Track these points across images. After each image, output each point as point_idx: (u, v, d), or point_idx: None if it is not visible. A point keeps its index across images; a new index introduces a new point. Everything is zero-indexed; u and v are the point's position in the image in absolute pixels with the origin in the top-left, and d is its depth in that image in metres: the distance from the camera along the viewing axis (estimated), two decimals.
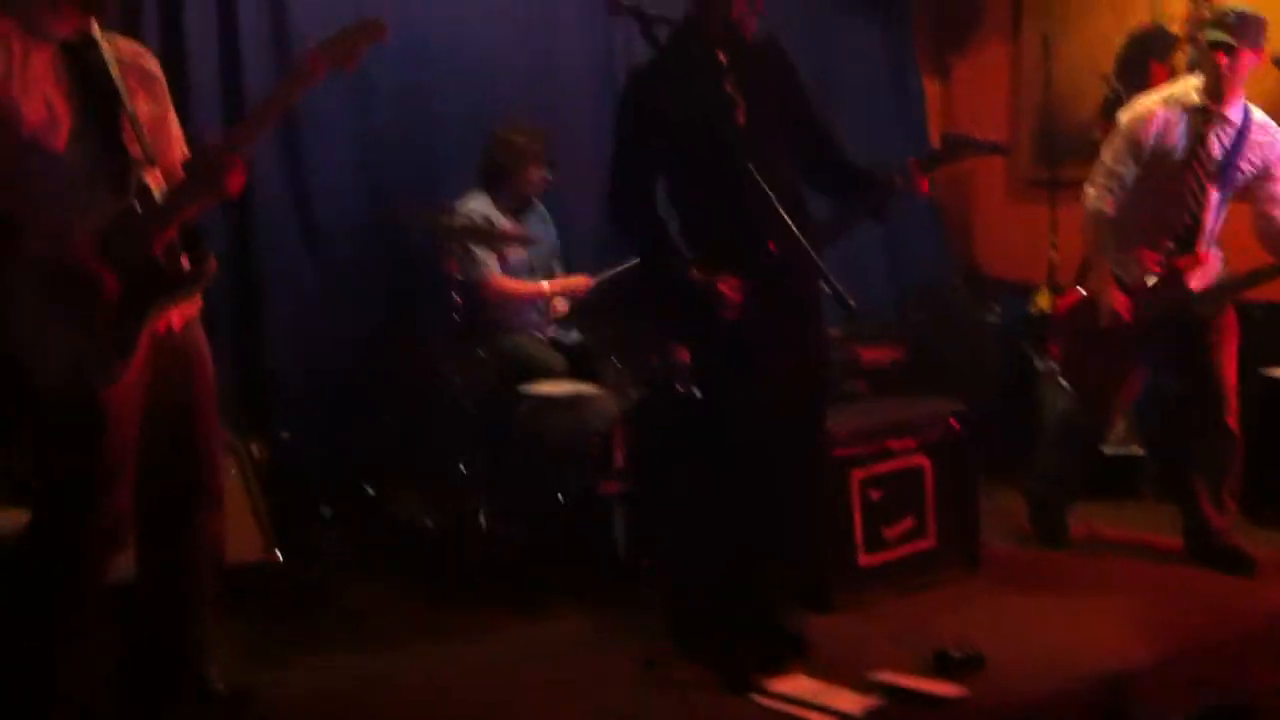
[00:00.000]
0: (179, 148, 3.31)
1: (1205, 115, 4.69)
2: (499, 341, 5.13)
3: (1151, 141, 4.74)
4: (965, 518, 4.76)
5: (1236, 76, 4.61)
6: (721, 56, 3.79)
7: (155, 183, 3.13)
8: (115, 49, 3.15)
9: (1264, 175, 4.73)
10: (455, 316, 4.82)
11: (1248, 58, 4.58)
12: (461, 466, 4.77)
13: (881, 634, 4.15)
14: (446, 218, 5.01)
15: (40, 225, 3.00)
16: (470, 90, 5.57)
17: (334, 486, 5.03)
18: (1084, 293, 4.97)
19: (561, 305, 5.34)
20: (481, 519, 4.69)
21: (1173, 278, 4.75)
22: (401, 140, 5.47)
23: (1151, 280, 4.79)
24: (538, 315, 5.36)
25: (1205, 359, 4.78)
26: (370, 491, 5.03)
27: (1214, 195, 4.72)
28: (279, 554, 4.38)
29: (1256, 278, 4.71)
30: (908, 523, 4.59)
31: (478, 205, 5.21)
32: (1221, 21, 4.62)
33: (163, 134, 3.25)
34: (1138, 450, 5.83)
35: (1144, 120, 4.77)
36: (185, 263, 3.15)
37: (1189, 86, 4.77)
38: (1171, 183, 4.74)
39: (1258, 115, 4.74)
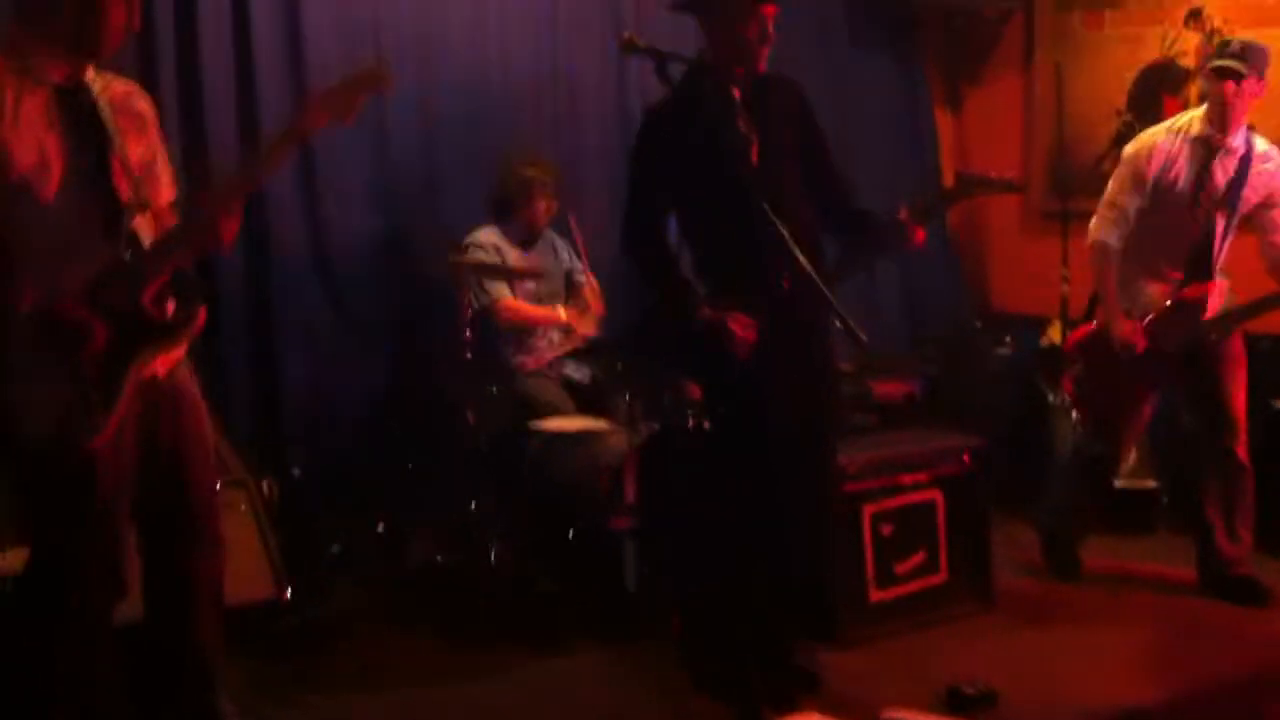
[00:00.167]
0: (169, 189, 3.30)
1: (1209, 145, 4.72)
2: (511, 378, 5.15)
3: (1155, 173, 4.76)
4: (978, 552, 4.74)
5: (1241, 105, 4.65)
6: (736, 93, 3.80)
7: (145, 228, 3.12)
8: (108, 91, 3.14)
9: (1268, 203, 4.76)
10: (468, 354, 4.83)
11: (1252, 86, 4.61)
12: (473, 503, 4.77)
13: (893, 670, 4.14)
14: (457, 254, 5.02)
15: (29, 272, 2.96)
16: (487, 128, 5.60)
17: (345, 524, 5.03)
18: (1094, 325, 4.96)
19: (587, 328, 5.36)
20: (493, 556, 4.69)
21: (1181, 308, 4.75)
22: (418, 179, 5.50)
23: (1160, 311, 4.79)
24: (550, 347, 5.37)
25: (1214, 390, 4.79)
26: (381, 529, 5.03)
27: (1219, 224, 4.73)
28: (289, 592, 4.36)
29: (1264, 305, 4.71)
30: (919, 557, 4.58)
31: (486, 236, 5.25)
32: (1227, 50, 4.66)
33: (153, 175, 3.24)
34: (1151, 483, 5.81)
35: (1147, 152, 4.80)
36: (173, 311, 3.14)
37: (1192, 117, 4.80)
38: (1177, 213, 4.75)
39: (1260, 144, 4.77)
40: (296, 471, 4.93)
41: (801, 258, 3.49)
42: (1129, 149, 4.90)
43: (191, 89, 4.86)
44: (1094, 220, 4.93)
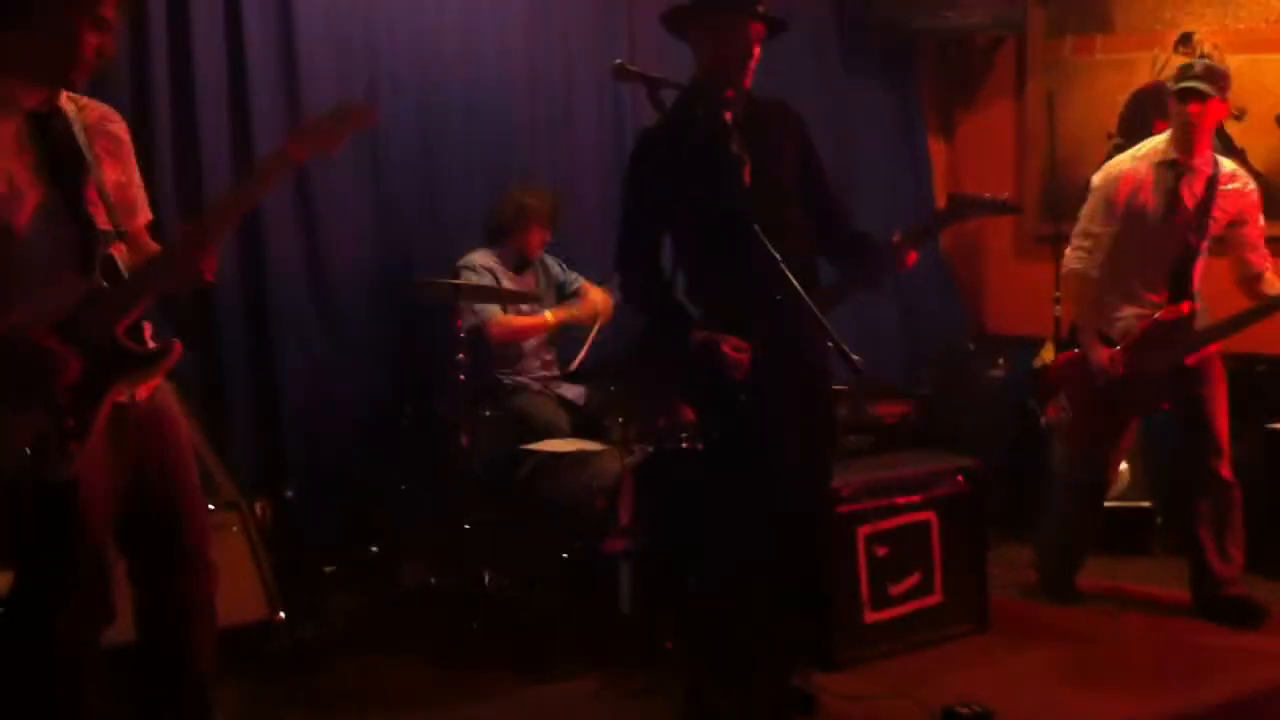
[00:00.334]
0: (145, 212, 3.26)
1: (1176, 169, 4.80)
2: (504, 400, 5.15)
3: (1125, 200, 4.84)
4: (973, 573, 4.74)
5: (1205, 127, 4.74)
6: (728, 116, 3.81)
7: (121, 256, 3.07)
8: (82, 115, 3.09)
9: (1238, 222, 4.83)
10: (461, 376, 4.84)
11: (1216, 108, 4.71)
12: (467, 525, 4.77)
13: (888, 692, 4.12)
14: (452, 279, 5.04)
15: (1, 302, 2.91)
16: (482, 153, 5.63)
17: (339, 545, 5.03)
18: (1075, 353, 5.01)
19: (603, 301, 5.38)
20: (487, 578, 4.69)
21: (1157, 330, 4.78)
22: (413, 203, 5.51)
23: (1137, 335, 4.83)
24: (543, 368, 5.38)
25: (1196, 411, 4.83)
26: (375, 551, 5.03)
27: (1191, 245, 4.78)
28: (282, 614, 4.35)
29: (1238, 323, 4.75)
30: (914, 579, 4.57)
31: (480, 259, 5.27)
32: (1190, 73, 4.73)
33: (129, 199, 3.19)
34: (1146, 503, 5.82)
35: (1115, 180, 4.89)
36: (149, 341, 3.11)
37: (1156, 143, 4.88)
38: (1149, 237, 4.83)
39: (1226, 165, 4.85)
40: (290, 493, 4.92)
41: (794, 280, 3.50)
42: (1097, 178, 4.99)
43: (185, 111, 4.87)
44: (1068, 250, 5.02)
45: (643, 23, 5.93)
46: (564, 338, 5.51)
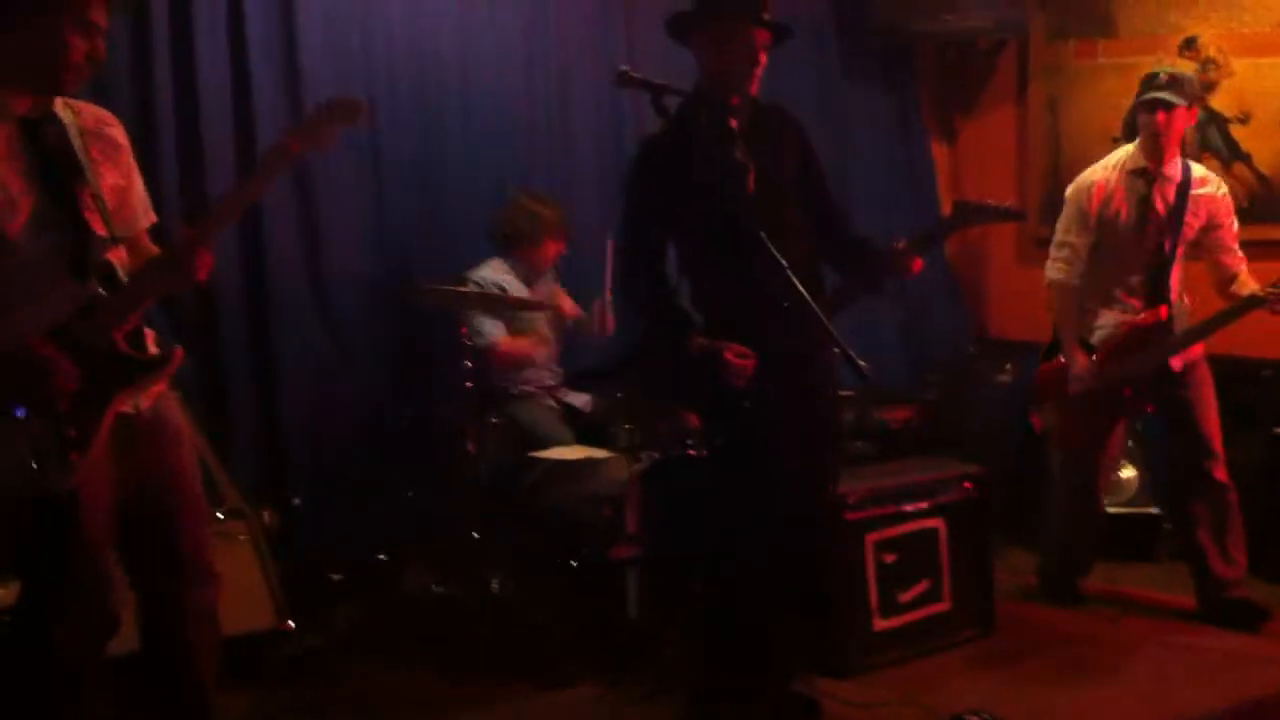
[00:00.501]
0: (145, 216, 3.24)
1: (1147, 176, 4.86)
2: (510, 408, 5.14)
3: (1097, 210, 4.92)
4: (980, 580, 4.74)
5: (1173, 134, 4.80)
6: (732, 123, 3.81)
7: (119, 261, 3.06)
8: (79, 120, 3.06)
9: (1211, 226, 4.89)
10: (468, 384, 4.83)
11: (1183, 114, 4.77)
12: (473, 533, 4.76)
13: (897, 699, 4.13)
14: (459, 286, 5.03)
15: None
16: (482, 158, 5.61)
17: (345, 553, 5.02)
18: (1060, 361, 5.05)
19: (569, 306, 5.38)
20: (493, 586, 4.68)
21: (1135, 335, 4.85)
22: (415, 210, 5.49)
23: (1115, 341, 4.90)
24: (550, 376, 5.37)
25: (1185, 416, 4.88)
26: (382, 559, 5.02)
27: (1166, 251, 4.84)
28: (290, 622, 4.34)
29: (1215, 324, 4.78)
30: (922, 586, 4.57)
31: (492, 273, 5.23)
32: (1155, 82, 4.79)
33: (129, 204, 3.17)
34: (1153, 509, 5.81)
35: (1087, 190, 4.98)
36: (152, 347, 3.09)
37: (1127, 152, 4.95)
38: (1124, 244, 4.90)
39: (1197, 170, 4.92)
40: (297, 501, 4.91)
41: (799, 286, 3.49)
42: (1070, 190, 5.08)
43: (188, 115, 4.85)
44: (1048, 261, 5.09)
45: (641, 29, 5.93)
46: (569, 345, 5.52)
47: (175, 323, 4.75)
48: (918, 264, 3.87)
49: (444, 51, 5.56)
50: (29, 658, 3.06)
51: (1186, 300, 4.97)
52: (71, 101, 3.09)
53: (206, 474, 3.62)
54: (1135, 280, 4.90)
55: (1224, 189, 4.94)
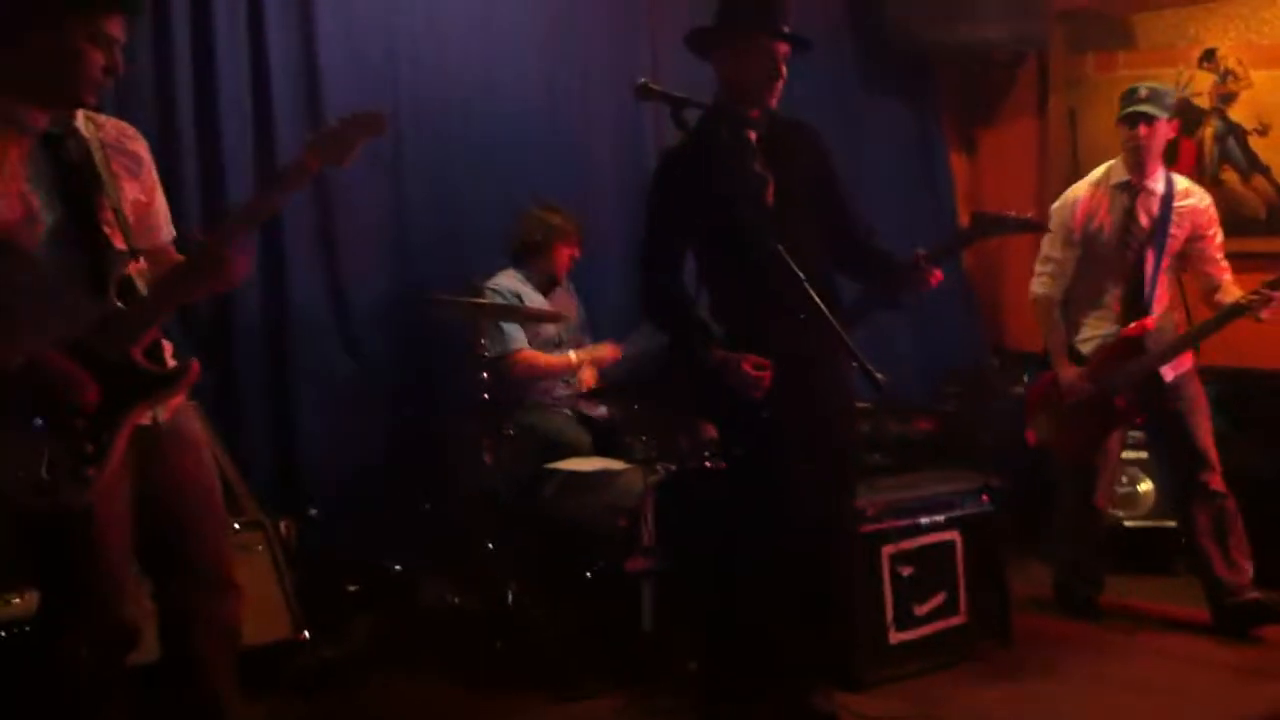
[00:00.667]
0: (168, 229, 3.25)
1: (1130, 190, 4.92)
2: (527, 419, 5.15)
3: (1081, 224, 4.98)
4: (997, 592, 4.73)
5: (1154, 147, 4.87)
6: (752, 136, 3.82)
7: (140, 274, 3.06)
8: (100, 134, 3.07)
9: (1194, 237, 4.93)
10: (484, 395, 4.84)
11: (1164, 128, 4.83)
12: (489, 545, 4.76)
13: (913, 712, 4.13)
14: (476, 296, 5.04)
15: (14, 328, 2.88)
16: (501, 172, 5.61)
17: (362, 565, 5.02)
18: (1051, 374, 5.10)
19: (590, 377, 5.37)
20: (509, 597, 4.68)
21: (1122, 346, 4.90)
22: (434, 222, 5.50)
23: (1101, 353, 4.95)
24: (565, 388, 5.38)
25: (1177, 427, 4.91)
26: (397, 569, 5.02)
27: (1150, 263, 4.89)
28: (306, 633, 4.35)
29: (1201, 333, 4.83)
30: (939, 598, 4.56)
31: (507, 282, 5.26)
32: (1135, 97, 4.86)
33: (151, 217, 3.18)
34: (1170, 523, 5.78)
35: (1070, 207, 5.05)
36: (170, 360, 3.09)
37: (1110, 167, 5.02)
38: (1110, 258, 4.97)
39: (1180, 182, 4.97)
40: (314, 512, 4.92)
41: (817, 298, 3.50)
42: (1055, 205, 5.15)
43: (209, 129, 4.88)
44: (1033, 277, 5.15)
45: (663, 41, 5.92)
46: None
47: (193, 335, 4.77)
48: (937, 276, 3.87)
49: (465, 63, 5.58)
50: (48, 670, 3.06)
51: (1175, 314, 5.03)
52: (94, 115, 3.10)
53: (225, 485, 3.62)
54: (1120, 292, 4.96)
55: (1208, 200, 4.99)
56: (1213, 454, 4.89)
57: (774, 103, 3.83)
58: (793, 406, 3.73)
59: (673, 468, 4.67)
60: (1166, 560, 5.76)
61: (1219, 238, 4.96)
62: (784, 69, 3.78)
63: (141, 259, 3.09)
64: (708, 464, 4.60)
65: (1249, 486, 5.05)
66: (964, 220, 6.74)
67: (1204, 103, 6.35)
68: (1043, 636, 4.89)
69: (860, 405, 4.45)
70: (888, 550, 4.45)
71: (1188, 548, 5.08)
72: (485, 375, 4.84)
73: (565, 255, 5.38)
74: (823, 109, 5.66)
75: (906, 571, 4.48)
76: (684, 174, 3.85)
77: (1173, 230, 4.90)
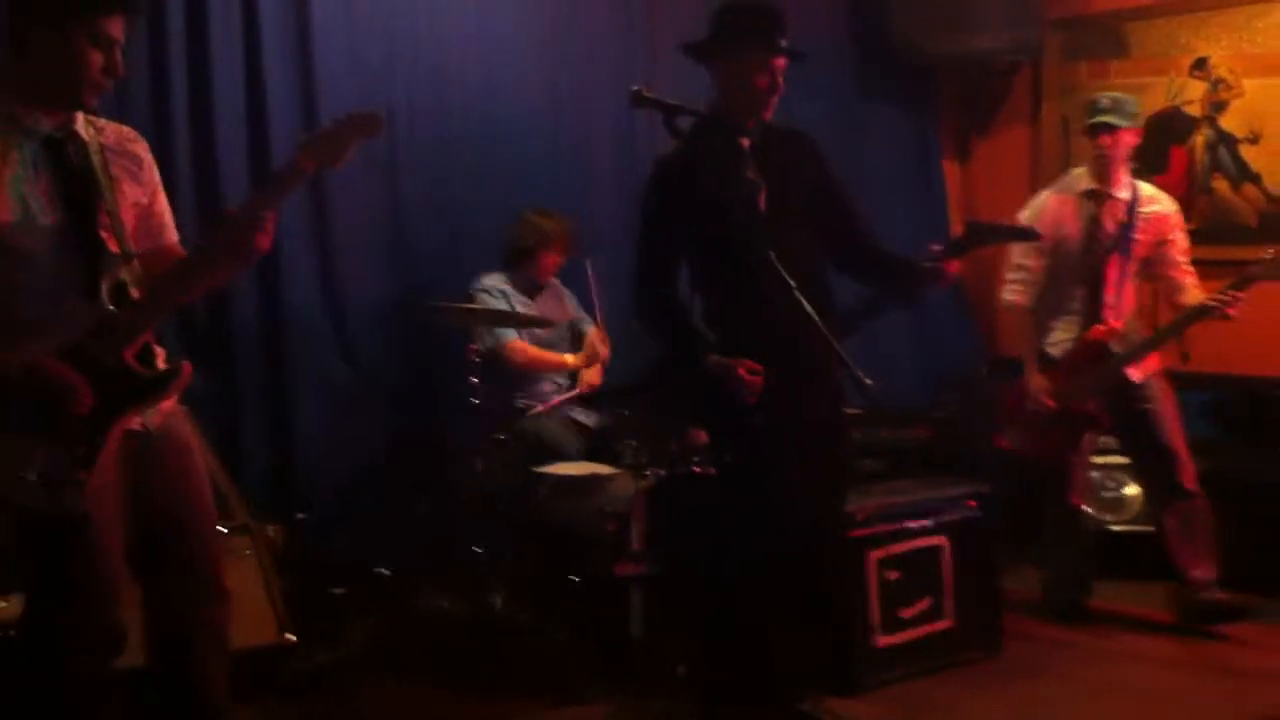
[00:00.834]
0: (171, 230, 3.26)
1: (1096, 197, 4.99)
2: (518, 423, 5.16)
3: (1050, 232, 4.94)
4: (985, 597, 4.74)
5: (1119, 155, 4.94)
6: (745, 143, 3.83)
7: (133, 278, 3.06)
8: (100, 137, 3.09)
9: (1160, 243, 5.01)
10: (475, 400, 4.85)
11: (1127, 136, 4.90)
12: (479, 550, 4.77)
13: (900, 716, 4.13)
14: (467, 302, 5.06)
15: (13, 331, 2.90)
16: (498, 178, 5.63)
17: (352, 570, 5.03)
18: (1020, 382, 5.14)
19: (594, 375, 5.39)
20: (499, 602, 4.69)
21: (1088, 350, 4.96)
22: (431, 228, 5.52)
23: (1065, 360, 5.01)
24: (554, 387, 5.40)
25: (1147, 428, 4.96)
26: (386, 574, 5.03)
27: (1116, 269, 4.97)
28: (293, 637, 4.34)
29: (1164, 334, 4.95)
30: (925, 603, 4.57)
31: (493, 282, 5.29)
32: (1098, 107, 4.93)
33: (153, 220, 3.20)
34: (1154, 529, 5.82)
35: (1039, 214, 5.10)
36: (160, 364, 3.10)
37: (1076, 175, 5.10)
38: (1077, 264, 5.03)
39: (1145, 189, 5.05)
40: (304, 517, 4.92)
41: (808, 306, 3.51)
42: (1023, 214, 5.18)
43: (204, 132, 4.89)
44: (1004, 285, 5.20)
45: (662, 47, 5.93)
46: None
47: (189, 338, 4.78)
48: (954, 267, 3.88)
49: (463, 67, 5.60)
50: (37, 676, 3.06)
51: (1140, 319, 5.13)
52: (95, 119, 3.12)
53: (216, 490, 3.62)
54: (1086, 297, 5.02)
55: (1174, 206, 5.08)
56: (1184, 453, 4.94)
57: (768, 115, 3.85)
58: (784, 412, 3.74)
59: (663, 473, 4.68)
60: (1154, 565, 5.78)
61: (1183, 242, 5.03)
62: (781, 82, 3.80)
63: (135, 262, 3.09)
64: (697, 470, 4.62)
65: (1239, 492, 5.09)
66: (955, 227, 6.76)
67: (1196, 111, 6.37)
68: (1034, 642, 4.89)
69: (853, 412, 4.47)
70: (875, 555, 4.46)
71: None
72: (476, 381, 4.85)
73: (550, 262, 5.41)
74: (820, 117, 5.67)
75: (893, 576, 4.49)
76: (677, 181, 3.85)
77: (1138, 235, 4.97)
